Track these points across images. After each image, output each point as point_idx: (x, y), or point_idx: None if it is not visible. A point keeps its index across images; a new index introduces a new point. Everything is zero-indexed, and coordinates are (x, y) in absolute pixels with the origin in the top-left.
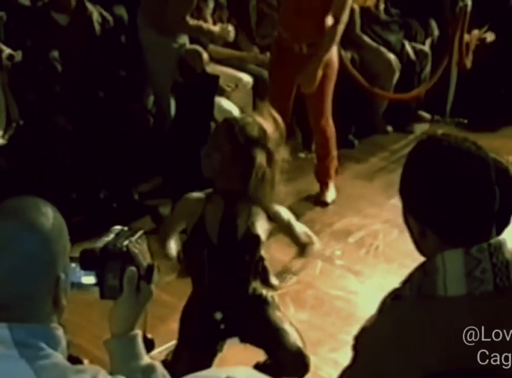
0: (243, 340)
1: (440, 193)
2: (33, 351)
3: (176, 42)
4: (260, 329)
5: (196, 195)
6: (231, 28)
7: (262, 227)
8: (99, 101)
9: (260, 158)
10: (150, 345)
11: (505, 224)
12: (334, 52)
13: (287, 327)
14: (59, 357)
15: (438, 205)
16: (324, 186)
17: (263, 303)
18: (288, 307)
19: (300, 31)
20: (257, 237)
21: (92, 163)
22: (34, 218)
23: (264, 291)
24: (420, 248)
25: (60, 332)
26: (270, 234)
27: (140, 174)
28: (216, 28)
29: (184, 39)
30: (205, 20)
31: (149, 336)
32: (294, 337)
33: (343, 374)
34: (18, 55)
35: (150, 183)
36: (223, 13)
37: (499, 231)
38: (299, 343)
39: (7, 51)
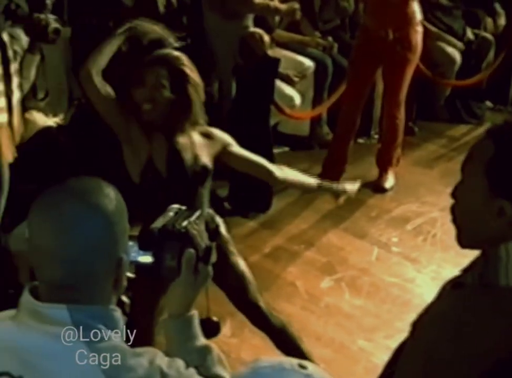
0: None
1: None
2: (92, 333)
3: (240, 26)
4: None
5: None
6: (297, 5)
7: (208, 156)
8: None
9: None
10: (215, 327)
11: None
12: (417, 36)
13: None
14: (117, 339)
15: None
16: (383, 172)
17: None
18: (343, 293)
19: (386, 18)
20: (204, 167)
21: None
22: (98, 200)
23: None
24: (479, 236)
25: (118, 313)
26: (326, 219)
27: None
28: (283, 6)
29: (248, 23)
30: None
31: (214, 319)
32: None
33: (395, 358)
34: (67, 32)
35: None
36: None
37: None
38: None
39: (53, 25)
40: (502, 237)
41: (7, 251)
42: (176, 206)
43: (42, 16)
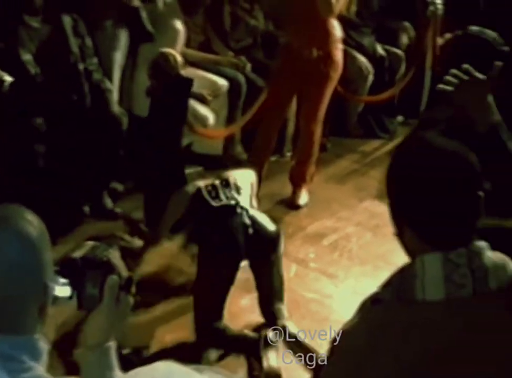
0: None
1: (421, 195)
2: (16, 364)
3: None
4: None
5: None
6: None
7: None
8: (73, 103)
9: None
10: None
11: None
12: (339, 53)
13: None
14: (40, 370)
15: (418, 206)
16: (297, 189)
17: None
18: None
19: (309, 36)
20: None
21: (66, 166)
22: (22, 226)
23: None
24: (405, 246)
25: (42, 343)
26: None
27: (112, 177)
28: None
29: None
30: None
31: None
32: None
33: (316, 375)
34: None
35: (122, 186)
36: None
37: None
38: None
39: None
40: (416, 250)
41: None
42: (91, 242)
43: None
